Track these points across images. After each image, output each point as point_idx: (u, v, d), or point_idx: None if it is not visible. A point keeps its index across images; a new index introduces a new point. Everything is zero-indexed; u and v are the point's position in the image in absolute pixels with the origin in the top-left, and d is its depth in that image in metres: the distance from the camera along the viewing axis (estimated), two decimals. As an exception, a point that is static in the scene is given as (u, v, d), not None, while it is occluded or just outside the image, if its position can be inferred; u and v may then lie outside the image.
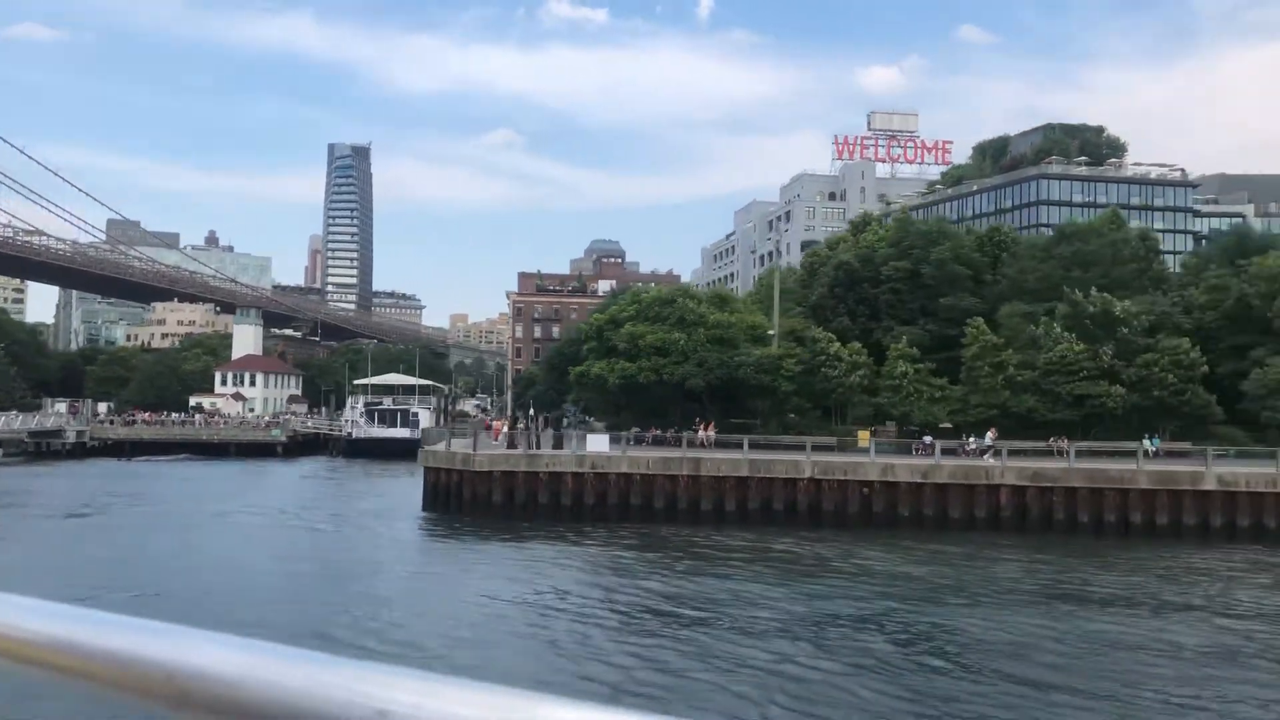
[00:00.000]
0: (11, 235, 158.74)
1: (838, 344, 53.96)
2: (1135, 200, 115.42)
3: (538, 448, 47.68)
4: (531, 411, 54.65)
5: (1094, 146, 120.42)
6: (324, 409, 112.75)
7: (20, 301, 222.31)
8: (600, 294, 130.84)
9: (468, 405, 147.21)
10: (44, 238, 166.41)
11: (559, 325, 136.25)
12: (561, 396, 77.98)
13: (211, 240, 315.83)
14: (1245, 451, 45.84)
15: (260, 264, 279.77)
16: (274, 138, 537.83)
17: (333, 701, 0.81)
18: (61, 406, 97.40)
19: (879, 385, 53.47)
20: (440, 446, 48.77)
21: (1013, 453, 49.06)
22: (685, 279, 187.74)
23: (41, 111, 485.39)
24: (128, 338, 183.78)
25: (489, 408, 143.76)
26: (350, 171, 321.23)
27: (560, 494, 45.87)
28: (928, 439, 49.91)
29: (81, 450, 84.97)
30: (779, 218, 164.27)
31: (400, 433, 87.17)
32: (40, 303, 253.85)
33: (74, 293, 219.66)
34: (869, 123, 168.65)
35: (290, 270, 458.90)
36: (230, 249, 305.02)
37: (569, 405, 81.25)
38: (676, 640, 22.72)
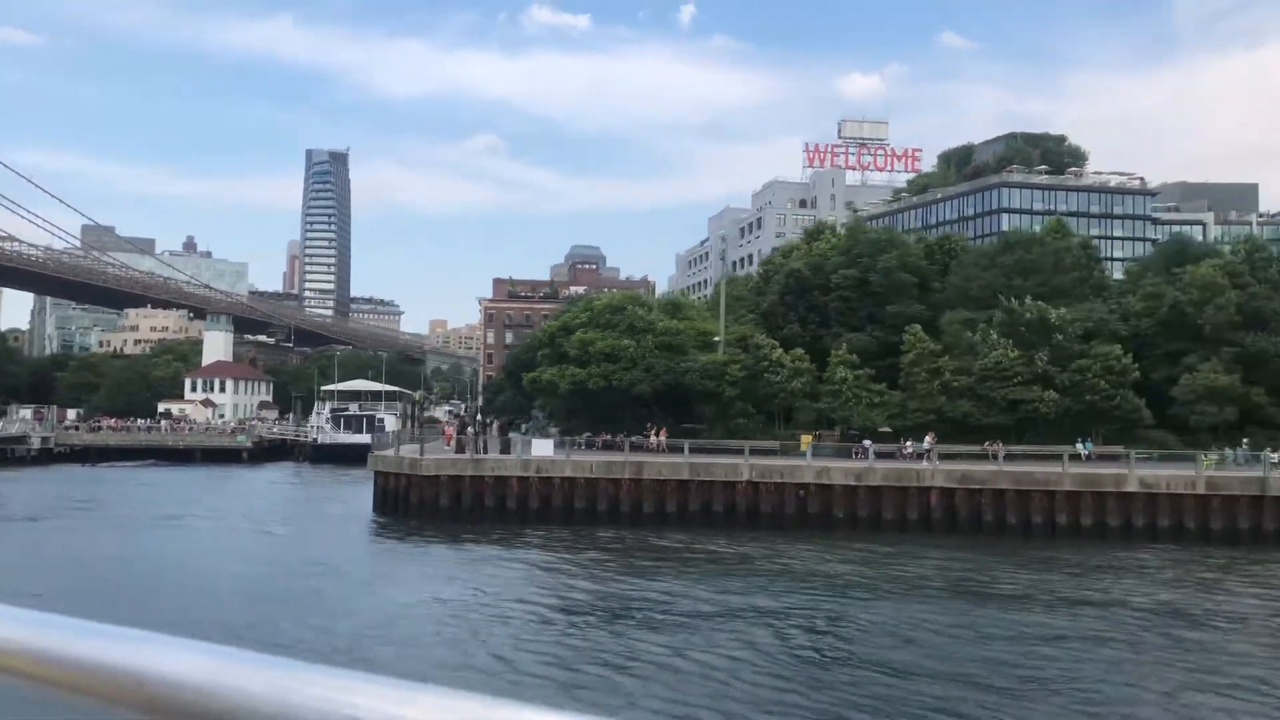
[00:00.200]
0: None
1: (780, 350, 55.29)
2: (1095, 208, 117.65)
3: (484, 452, 48.68)
4: (479, 416, 55.58)
5: (1055, 155, 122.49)
6: (292, 415, 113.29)
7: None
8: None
9: (439, 411, 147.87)
10: (16, 244, 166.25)
11: (530, 331, 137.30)
12: (530, 402, 79.09)
13: (190, 245, 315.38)
14: (1168, 455, 47.30)
15: (236, 270, 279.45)
16: (255, 143, 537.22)
17: (304, 708, 0.80)
18: (27, 413, 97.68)
19: (820, 391, 54.81)
20: (389, 451, 49.75)
21: (948, 456, 50.65)
22: (662, 285, 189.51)
23: (19, 116, 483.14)
24: (100, 344, 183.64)
25: (462, 414, 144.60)
26: (328, 177, 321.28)
27: (506, 497, 46.93)
28: (866, 443, 51.27)
29: (47, 456, 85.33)
30: (751, 225, 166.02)
31: (365, 438, 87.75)
32: (14, 308, 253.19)
33: (48, 299, 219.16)
34: (839, 131, 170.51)
35: (269, 276, 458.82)
36: (208, 254, 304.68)
37: (537, 411, 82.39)
38: (581, 636, 23.85)
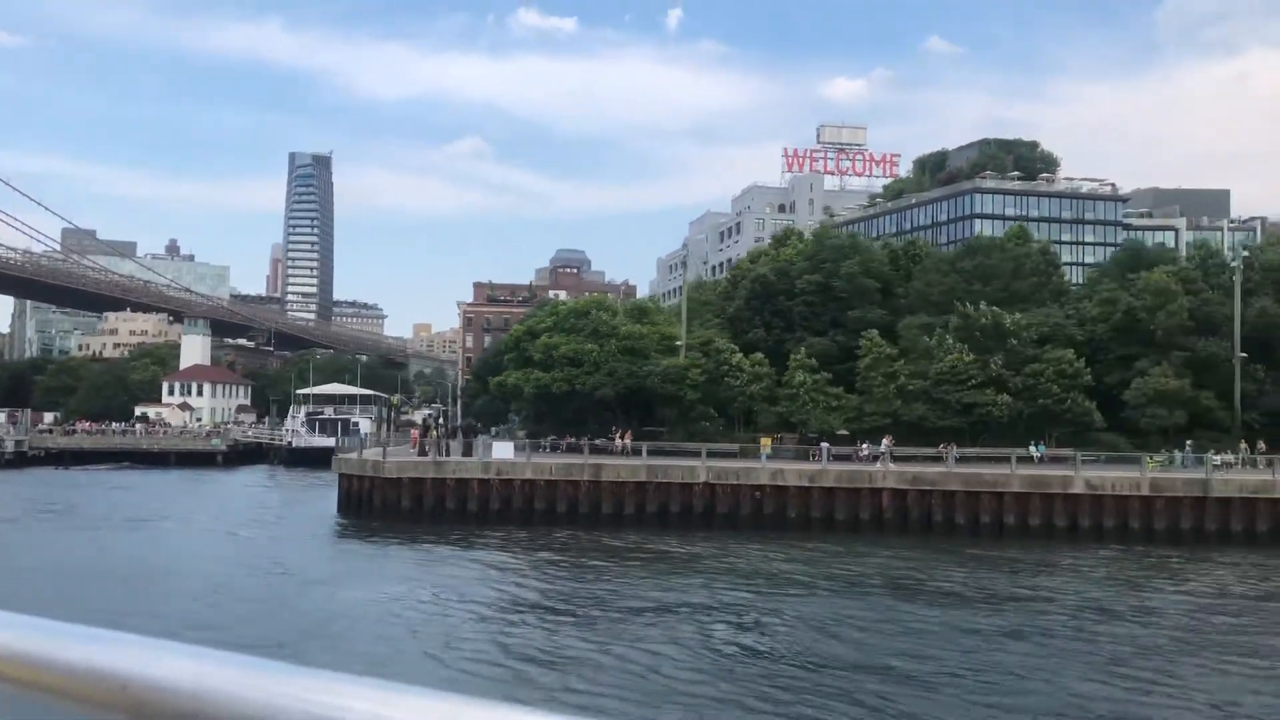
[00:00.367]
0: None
1: (740, 355, 56.20)
2: (1067, 214, 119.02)
3: (447, 455, 49.39)
4: (440, 419, 56.24)
5: (1028, 161, 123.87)
6: (267, 419, 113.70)
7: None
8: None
9: (418, 415, 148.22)
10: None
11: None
12: (508, 406, 79.83)
13: (173, 249, 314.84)
14: (1115, 457, 48.36)
15: (218, 273, 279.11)
16: (240, 146, 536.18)
17: (290, 711, 0.80)
18: (1, 416, 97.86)
19: (779, 394, 55.74)
20: (353, 454, 50.41)
21: (903, 458, 51.66)
22: (643, 289, 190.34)
23: (2, 119, 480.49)
24: (79, 348, 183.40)
25: (443, 418, 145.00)
26: (311, 181, 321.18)
27: (467, 499, 47.67)
28: (824, 445, 52.22)
29: (21, 460, 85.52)
30: (730, 229, 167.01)
31: (340, 442, 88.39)
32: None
33: (28, 302, 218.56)
34: (818, 136, 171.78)
35: (252, 279, 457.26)
36: (191, 258, 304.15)
37: (514, 415, 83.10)
38: (513, 632, 24.62)
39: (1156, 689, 20.08)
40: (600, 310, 58.87)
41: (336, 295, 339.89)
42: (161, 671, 0.87)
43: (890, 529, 45.14)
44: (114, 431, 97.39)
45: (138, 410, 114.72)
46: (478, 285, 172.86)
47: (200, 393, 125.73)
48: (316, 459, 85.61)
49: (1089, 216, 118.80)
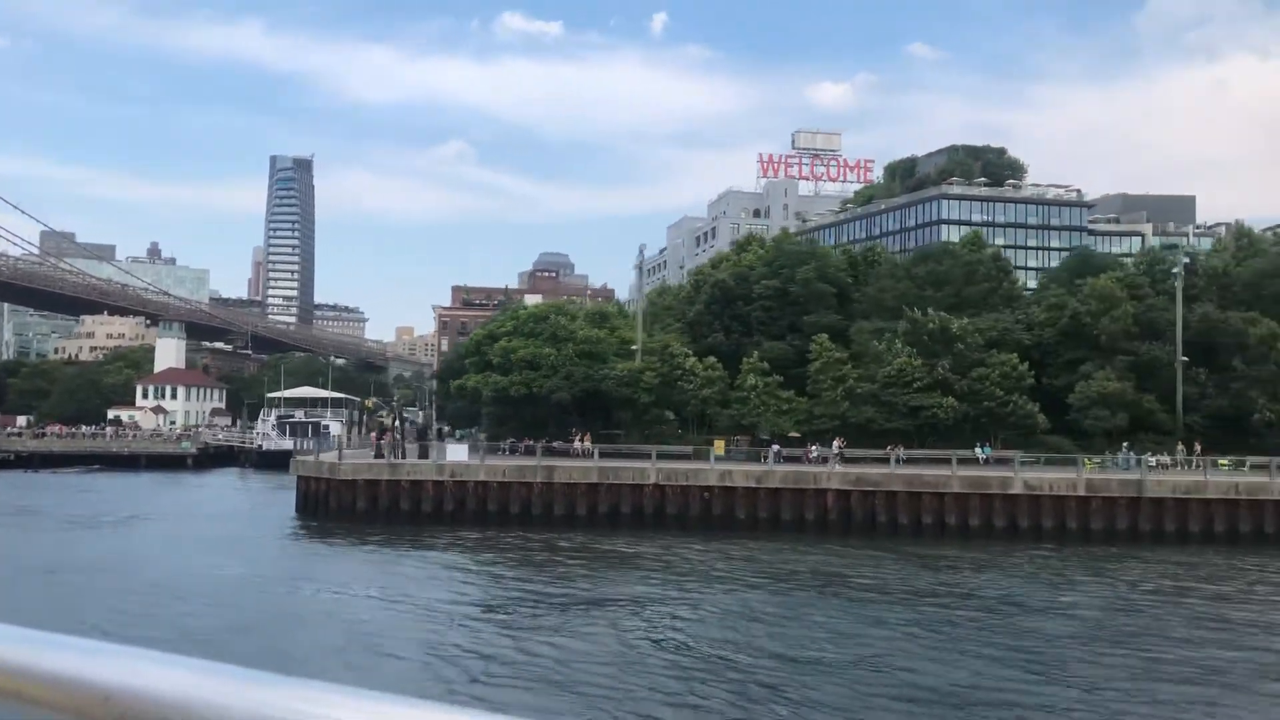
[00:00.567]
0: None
1: (693, 359, 57.30)
2: (1033, 220, 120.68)
3: (403, 457, 50.25)
4: (397, 422, 57.11)
5: (996, 168, 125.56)
6: (238, 422, 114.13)
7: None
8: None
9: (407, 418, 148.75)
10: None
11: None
12: (480, 409, 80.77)
13: (154, 252, 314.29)
14: (1053, 459, 49.61)
15: (197, 276, 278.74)
16: (223, 149, 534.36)
17: None
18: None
19: (731, 398, 56.87)
20: (310, 457, 51.21)
21: (853, 459, 52.84)
22: (623, 292, 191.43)
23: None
24: (56, 351, 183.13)
25: (397, 420, 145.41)
26: (292, 184, 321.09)
27: (421, 501, 48.55)
28: (775, 447, 53.36)
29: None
30: (705, 234, 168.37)
31: (310, 445, 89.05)
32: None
33: (5, 305, 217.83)
34: (794, 142, 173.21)
35: (234, 282, 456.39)
36: (172, 261, 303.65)
37: (486, 418, 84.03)
38: (434, 628, 25.54)
39: (1033, 676, 21.17)
40: (559, 315, 59.88)
41: (318, 298, 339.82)
42: (144, 682, 0.86)
43: (834, 529, 46.20)
44: (84, 435, 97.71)
45: (110, 413, 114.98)
46: (456, 289, 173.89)
47: (174, 396, 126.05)
48: (286, 462, 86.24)
49: (1054, 222, 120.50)
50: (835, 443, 53.87)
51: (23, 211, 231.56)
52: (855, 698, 19.28)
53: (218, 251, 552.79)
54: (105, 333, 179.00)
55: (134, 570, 33.23)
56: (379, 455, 50.42)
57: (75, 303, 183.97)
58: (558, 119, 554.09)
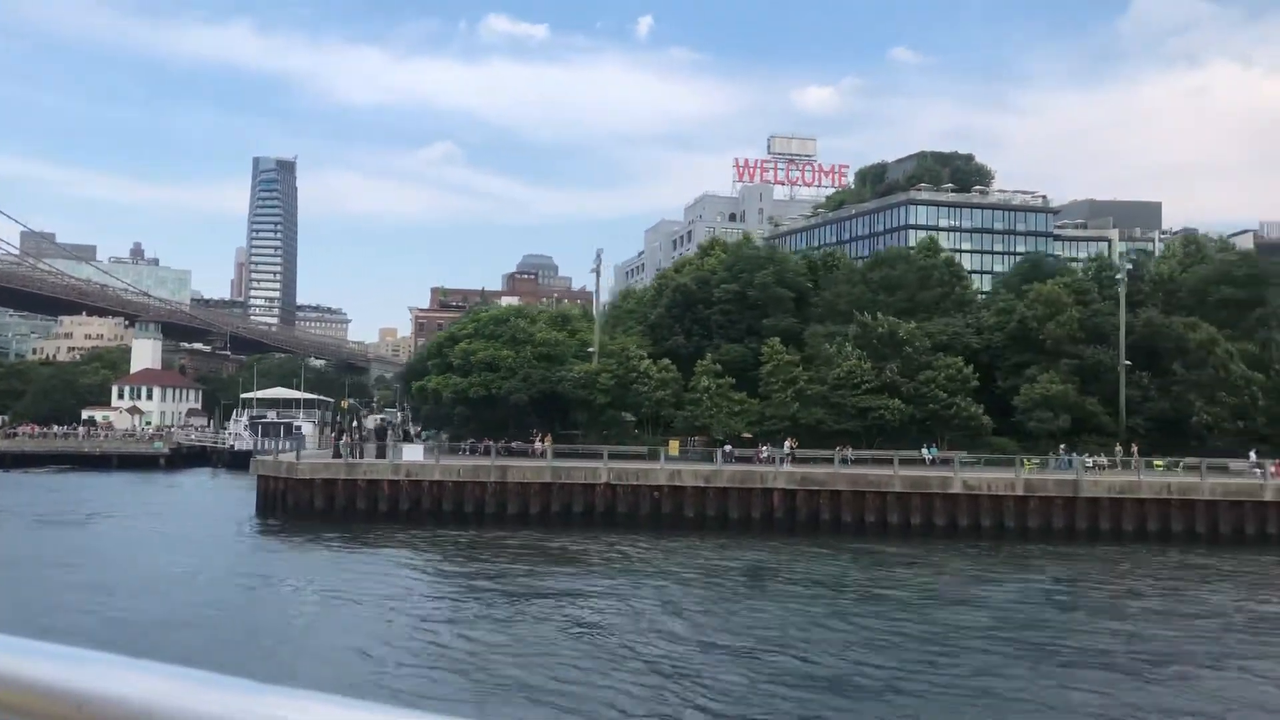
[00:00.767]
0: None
1: (648, 361, 58.57)
2: (999, 225, 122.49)
3: (360, 457, 51.32)
4: (355, 423, 58.14)
5: (964, 174, 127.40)
6: (211, 422, 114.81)
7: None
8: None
9: (371, 419, 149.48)
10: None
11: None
12: (453, 411, 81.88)
13: (137, 252, 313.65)
14: (992, 459, 51.05)
15: (179, 277, 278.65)
16: (209, 149, 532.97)
17: None
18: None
19: (685, 399, 58.17)
20: (269, 456, 52.22)
21: (805, 459, 54.19)
22: (603, 294, 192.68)
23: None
24: (33, 351, 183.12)
25: (356, 420, 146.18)
26: (275, 186, 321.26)
27: (378, 500, 49.63)
28: (727, 448, 54.69)
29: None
30: (682, 237, 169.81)
31: (283, 446, 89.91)
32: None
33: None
34: (769, 147, 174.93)
35: (217, 283, 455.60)
36: (155, 262, 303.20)
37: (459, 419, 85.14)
38: (359, 621, 26.70)
39: (922, 662, 22.47)
40: (518, 318, 61.07)
41: (301, 299, 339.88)
42: (121, 689, 0.85)
43: (781, 527, 47.49)
44: (55, 435, 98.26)
45: (85, 414, 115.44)
46: (434, 290, 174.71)
47: (150, 397, 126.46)
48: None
49: (1020, 228, 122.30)
50: (787, 443, 55.24)
51: (2, 212, 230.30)
52: (745, 682, 20.52)
53: (202, 252, 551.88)
54: (83, 333, 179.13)
55: (82, 566, 34.21)
56: (337, 455, 51.46)
57: (53, 303, 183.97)
58: (544, 121, 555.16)
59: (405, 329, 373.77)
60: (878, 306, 61.81)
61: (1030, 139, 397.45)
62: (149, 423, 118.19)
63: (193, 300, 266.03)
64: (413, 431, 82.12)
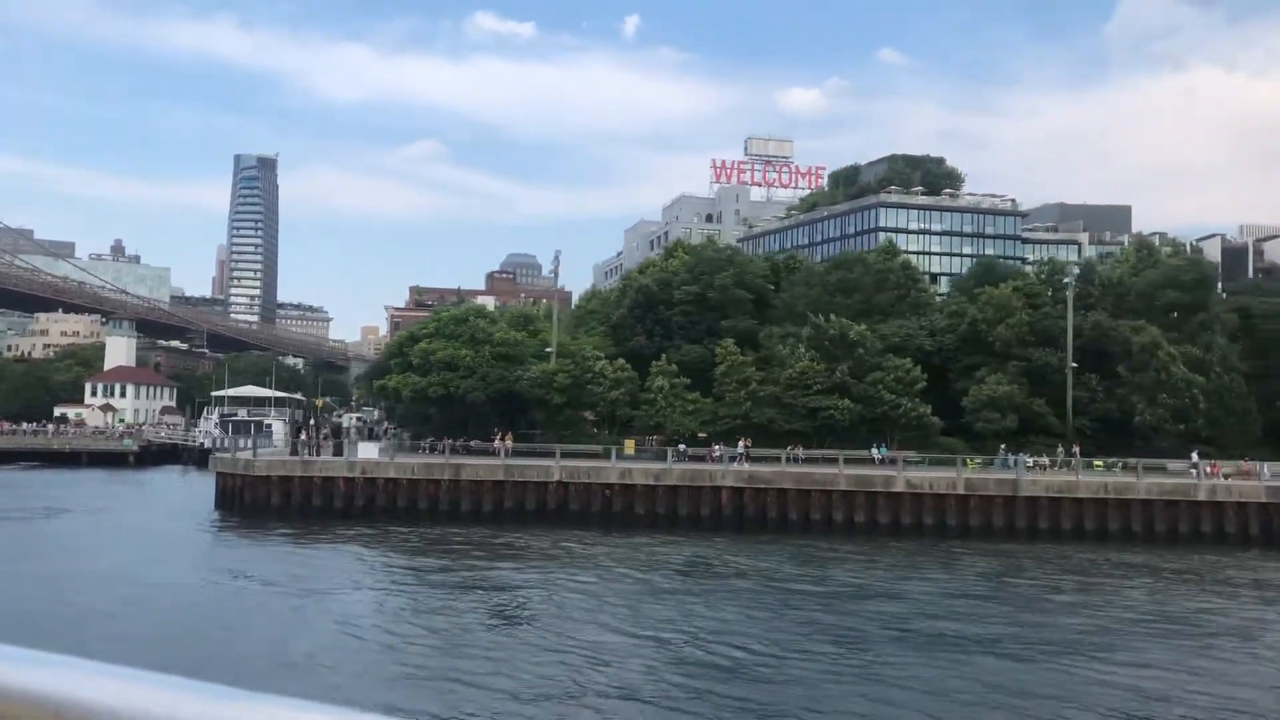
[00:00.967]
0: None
1: (603, 361, 59.52)
2: (968, 228, 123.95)
3: (317, 454, 52.09)
4: (312, 421, 58.92)
5: (935, 177, 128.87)
6: (183, 420, 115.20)
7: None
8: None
9: (349, 418, 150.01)
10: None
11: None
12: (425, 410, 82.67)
13: (117, 249, 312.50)
14: (937, 459, 52.21)
15: (158, 274, 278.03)
16: (192, 145, 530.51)
17: None
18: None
19: (640, 399, 59.18)
20: (227, 454, 52.95)
21: (759, 458, 55.22)
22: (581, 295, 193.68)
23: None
24: (9, 348, 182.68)
25: (375, 419, 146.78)
26: (255, 183, 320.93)
27: (333, 497, 50.43)
28: (681, 446, 55.73)
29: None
30: (659, 238, 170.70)
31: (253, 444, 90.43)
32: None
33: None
34: (746, 148, 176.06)
35: (198, 281, 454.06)
36: (136, 259, 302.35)
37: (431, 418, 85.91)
38: (284, 612, 27.56)
39: (831, 648, 23.49)
40: (478, 318, 61.92)
41: (282, 297, 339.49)
42: (99, 696, 0.84)
43: (729, 525, 48.52)
44: (24, 432, 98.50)
45: (57, 411, 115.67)
46: (412, 289, 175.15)
47: (123, 394, 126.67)
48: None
49: (989, 231, 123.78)
50: (741, 443, 56.29)
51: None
52: (641, 668, 21.49)
53: (184, 250, 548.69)
54: (59, 330, 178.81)
55: (27, 558, 34.90)
56: (294, 453, 52.20)
57: (28, 300, 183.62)
58: (530, 120, 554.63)
59: (386, 328, 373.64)
60: (835, 308, 62.89)
61: (1018, 142, 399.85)
62: (122, 420, 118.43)
63: (172, 298, 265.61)
64: (380, 430, 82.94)
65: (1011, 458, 51.71)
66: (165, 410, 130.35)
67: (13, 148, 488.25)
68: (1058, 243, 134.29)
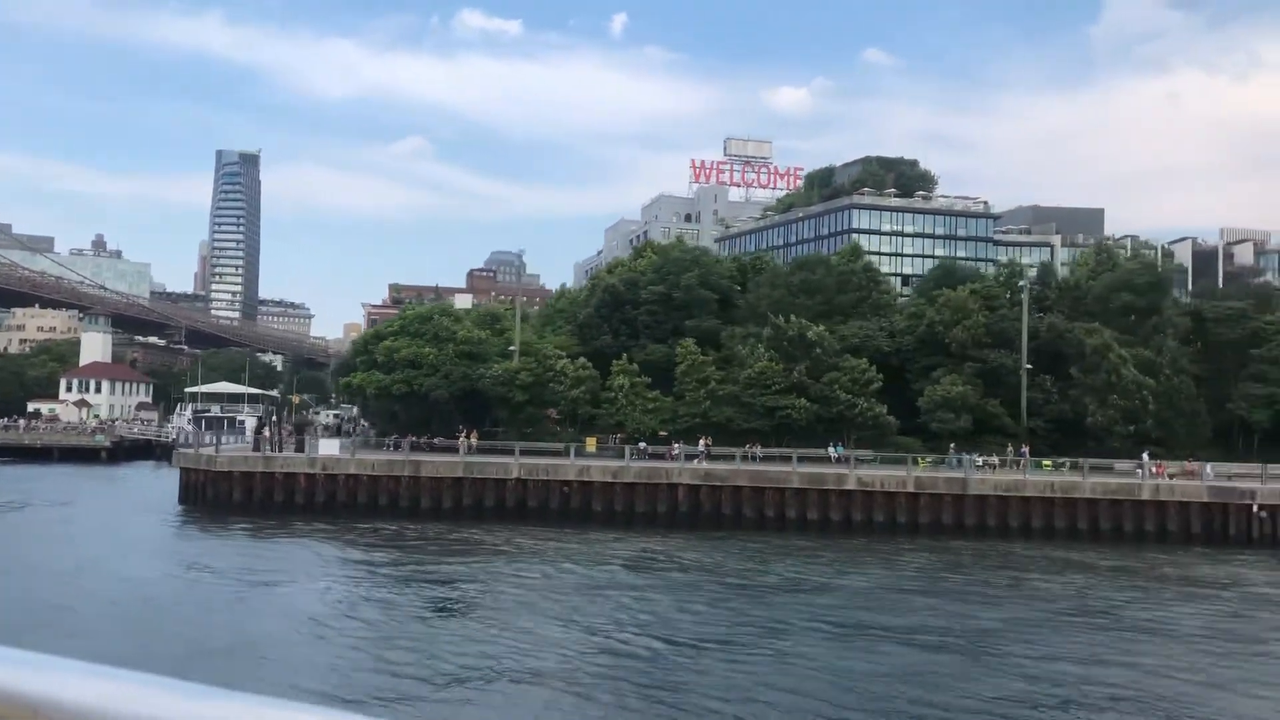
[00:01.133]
0: None
1: (565, 360, 60.33)
2: (940, 230, 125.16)
3: (279, 450, 52.72)
4: (274, 418, 59.58)
5: (908, 179, 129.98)
6: (156, 416, 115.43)
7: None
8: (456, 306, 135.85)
9: (326, 415, 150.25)
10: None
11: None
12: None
13: (99, 244, 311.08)
14: (889, 458, 53.22)
15: (138, 270, 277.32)
16: (176, 141, 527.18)
17: None
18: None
19: (602, 397, 60.02)
20: (190, 449, 53.52)
21: (720, 456, 56.12)
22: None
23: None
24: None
25: (275, 415, 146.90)
26: (238, 179, 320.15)
27: (294, 492, 51.08)
28: (642, 445, 56.56)
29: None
30: (638, 237, 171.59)
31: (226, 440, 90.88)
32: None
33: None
34: (725, 149, 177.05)
35: (181, 277, 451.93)
36: (118, 254, 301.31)
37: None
38: (220, 603, 28.29)
39: (736, 643, 24.39)
40: (442, 316, 62.63)
41: (265, 294, 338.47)
42: (79, 695, 0.83)
43: (684, 522, 49.39)
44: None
45: (30, 406, 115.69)
46: (391, 287, 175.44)
47: (98, 390, 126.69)
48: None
49: (961, 233, 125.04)
50: (702, 441, 57.17)
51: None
52: (558, 656, 22.32)
53: (167, 245, 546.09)
54: (36, 325, 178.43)
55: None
56: (256, 448, 52.82)
57: (4, 294, 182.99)
58: (518, 118, 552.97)
59: (366, 325, 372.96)
60: (797, 309, 63.78)
61: (1005, 143, 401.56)
62: (96, 416, 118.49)
63: (153, 294, 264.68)
64: (350, 427, 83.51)
65: (960, 457, 52.74)
66: (141, 406, 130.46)
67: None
68: (1030, 245, 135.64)
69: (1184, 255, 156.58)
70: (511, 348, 59.87)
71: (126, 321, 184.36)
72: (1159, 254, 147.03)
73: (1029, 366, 60.32)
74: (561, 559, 37.39)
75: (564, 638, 24.08)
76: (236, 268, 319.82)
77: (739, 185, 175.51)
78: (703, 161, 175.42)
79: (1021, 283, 62.00)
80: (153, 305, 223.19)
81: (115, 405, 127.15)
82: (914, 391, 61.79)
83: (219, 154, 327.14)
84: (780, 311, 63.53)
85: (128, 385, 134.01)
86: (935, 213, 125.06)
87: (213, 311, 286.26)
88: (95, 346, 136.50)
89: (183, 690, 0.82)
